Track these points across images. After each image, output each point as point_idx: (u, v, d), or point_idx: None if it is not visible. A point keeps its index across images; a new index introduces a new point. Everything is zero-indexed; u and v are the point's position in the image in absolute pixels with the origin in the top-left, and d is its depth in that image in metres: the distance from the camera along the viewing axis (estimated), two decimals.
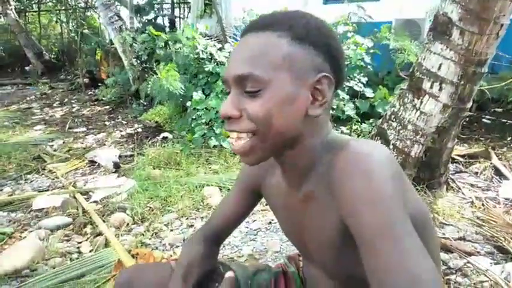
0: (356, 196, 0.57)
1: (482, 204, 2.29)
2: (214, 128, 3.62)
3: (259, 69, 0.62)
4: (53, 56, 10.58)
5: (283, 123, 0.64)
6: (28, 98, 7.24)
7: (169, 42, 4.77)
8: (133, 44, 5.53)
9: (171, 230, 2.22)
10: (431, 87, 2.18)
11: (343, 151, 0.62)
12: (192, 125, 3.81)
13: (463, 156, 2.95)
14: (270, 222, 2.23)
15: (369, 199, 0.56)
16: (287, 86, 0.63)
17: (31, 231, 2.25)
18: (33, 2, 11.60)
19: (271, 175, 0.84)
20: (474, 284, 1.56)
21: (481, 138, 3.47)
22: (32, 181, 3.12)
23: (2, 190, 2.93)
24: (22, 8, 11.13)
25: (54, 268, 1.87)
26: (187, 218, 2.35)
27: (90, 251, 2.03)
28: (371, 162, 0.58)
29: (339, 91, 3.56)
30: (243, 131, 0.65)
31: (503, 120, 3.78)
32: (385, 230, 0.54)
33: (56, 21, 11.19)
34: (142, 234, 2.17)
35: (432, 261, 0.53)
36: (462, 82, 2.12)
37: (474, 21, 1.98)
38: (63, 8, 10.83)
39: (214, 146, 3.50)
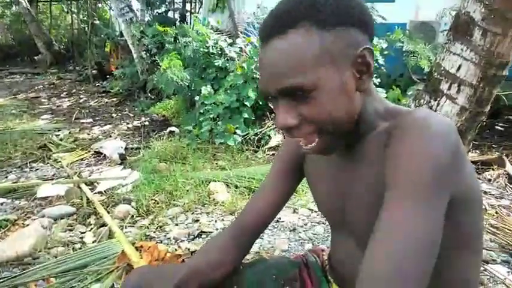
0: (405, 154, 0.56)
1: (496, 212, 2.23)
2: (219, 126, 3.57)
3: (302, 76, 0.59)
4: (62, 47, 10.59)
5: (342, 111, 0.63)
6: (36, 87, 7.25)
7: (179, 36, 4.73)
8: (143, 37, 5.49)
9: (176, 224, 2.17)
10: (449, 88, 2.11)
11: (409, 115, 0.61)
12: (200, 119, 3.76)
13: (476, 162, 2.88)
14: (278, 221, 2.18)
15: (415, 157, 0.54)
16: (334, 77, 0.60)
17: (34, 219, 2.21)
18: None
19: None
20: None
21: (494, 145, 3.40)
22: (37, 169, 3.10)
23: (7, 177, 2.91)
24: None
25: (56, 257, 1.84)
26: (192, 213, 2.31)
27: (94, 242, 1.99)
28: (434, 130, 0.56)
29: None
30: (307, 134, 0.64)
31: None
32: (411, 190, 0.53)
33: (67, 12, 11.21)
34: (147, 227, 2.13)
35: (427, 244, 0.52)
36: (481, 85, 2.05)
37: (498, 22, 1.91)
38: None
39: (221, 143, 3.46)
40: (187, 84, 3.88)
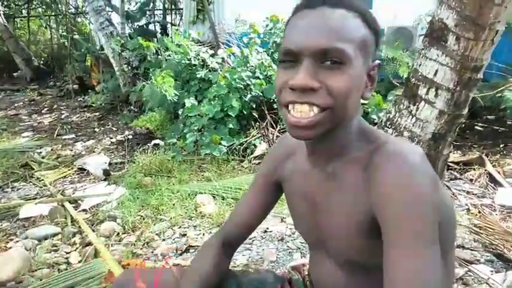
0: (397, 194, 0.59)
1: (479, 212, 2.27)
2: (204, 137, 3.57)
3: (348, 45, 0.62)
4: (42, 62, 10.43)
5: (354, 102, 0.66)
6: (16, 105, 7.11)
7: (160, 49, 4.72)
8: (124, 51, 5.46)
9: (163, 240, 2.15)
10: (427, 93, 2.16)
11: (386, 145, 0.65)
12: (184, 131, 3.75)
13: (457, 163, 2.94)
14: (266, 231, 2.18)
15: (409, 200, 0.58)
16: (360, 67, 0.65)
17: (17, 241, 2.16)
18: (22, 8, 11.47)
19: (291, 160, 0.83)
20: None
21: (474, 146, 3.47)
22: (19, 189, 3.03)
23: None
24: (11, 13, 10.98)
25: (41, 280, 1.79)
26: (179, 227, 2.29)
27: (79, 262, 1.96)
28: (415, 164, 0.61)
29: None
30: (320, 105, 0.63)
31: (496, 128, 3.80)
32: (414, 235, 0.57)
33: (46, 27, 11.08)
34: (134, 244, 2.10)
35: (439, 277, 0.58)
36: (458, 88, 2.10)
37: (470, 27, 1.97)
38: (53, 13, 10.74)
39: (206, 154, 3.45)
40: (175, 100, 3.86)
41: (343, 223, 0.69)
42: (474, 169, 2.83)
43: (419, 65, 2.19)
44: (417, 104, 2.19)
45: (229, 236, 0.91)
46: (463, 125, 3.83)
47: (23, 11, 11.62)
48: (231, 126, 3.64)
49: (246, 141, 3.60)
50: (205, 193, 2.65)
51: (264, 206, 0.90)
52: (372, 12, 0.68)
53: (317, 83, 0.61)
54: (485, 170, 2.78)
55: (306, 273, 0.95)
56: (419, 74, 2.18)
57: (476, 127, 3.90)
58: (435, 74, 2.12)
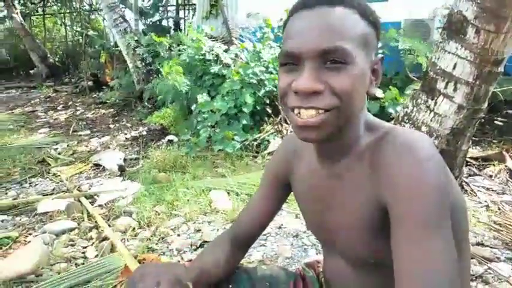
0: (404, 183, 0.57)
1: (499, 208, 2.22)
2: (217, 133, 3.57)
3: (348, 43, 0.61)
4: (57, 59, 10.59)
5: (359, 100, 0.65)
6: (32, 101, 7.24)
7: (173, 44, 4.74)
8: (138, 47, 5.50)
9: (178, 235, 2.16)
10: (445, 87, 2.12)
11: (389, 135, 0.64)
12: (198, 127, 3.76)
13: (476, 158, 2.87)
14: (280, 227, 2.17)
15: (417, 189, 0.56)
16: (363, 63, 0.63)
17: (36, 236, 2.20)
18: (38, 6, 11.65)
19: (298, 159, 0.83)
20: None
21: (494, 141, 3.39)
22: (36, 185, 3.08)
23: (6, 194, 2.89)
24: (27, 12, 11.17)
25: (59, 273, 1.82)
26: (194, 223, 2.30)
27: (96, 256, 1.98)
28: (425, 152, 0.59)
29: None
30: (326, 108, 0.61)
31: None
32: (423, 225, 0.55)
33: (61, 24, 11.23)
34: (149, 239, 2.11)
35: (453, 268, 0.54)
36: (477, 82, 2.06)
37: (490, 20, 1.92)
38: (68, 11, 10.88)
39: (219, 150, 3.45)
40: (186, 90, 3.87)
41: (352, 221, 0.68)
42: (494, 165, 2.76)
43: (438, 59, 2.15)
44: (435, 98, 2.15)
45: (241, 233, 0.92)
46: (483, 120, 3.74)
47: (39, 9, 11.79)
48: (244, 122, 3.63)
49: (259, 137, 3.59)
50: (219, 189, 2.65)
51: (274, 202, 0.90)
52: (370, 5, 0.67)
53: (321, 85, 0.61)
54: (505, 166, 2.72)
55: (321, 269, 0.95)
56: (438, 67, 2.14)
57: (496, 122, 3.81)
58: (454, 68, 2.08)
